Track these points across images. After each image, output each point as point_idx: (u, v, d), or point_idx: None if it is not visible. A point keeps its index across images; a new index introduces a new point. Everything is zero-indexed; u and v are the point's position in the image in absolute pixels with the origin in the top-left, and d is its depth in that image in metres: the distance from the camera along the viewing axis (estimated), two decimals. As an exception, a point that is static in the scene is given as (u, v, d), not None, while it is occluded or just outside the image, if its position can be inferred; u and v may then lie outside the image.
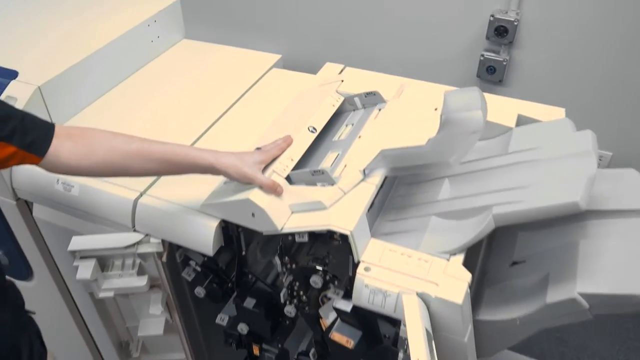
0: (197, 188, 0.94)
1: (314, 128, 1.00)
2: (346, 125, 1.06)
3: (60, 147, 0.80)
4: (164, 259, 1.00)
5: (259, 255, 1.04)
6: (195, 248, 0.95)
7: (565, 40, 1.75)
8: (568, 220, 0.95)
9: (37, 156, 0.79)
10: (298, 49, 2.04)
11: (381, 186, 0.91)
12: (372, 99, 1.07)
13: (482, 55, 1.85)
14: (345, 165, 0.92)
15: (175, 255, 1.04)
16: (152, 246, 0.97)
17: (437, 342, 0.83)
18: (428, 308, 0.81)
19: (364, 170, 0.89)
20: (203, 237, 0.92)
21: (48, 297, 1.29)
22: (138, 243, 0.97)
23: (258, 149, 0.94)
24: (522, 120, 1.06)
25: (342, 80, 1.12)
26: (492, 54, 1.84)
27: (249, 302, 1.01)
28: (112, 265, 1.01)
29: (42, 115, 1.11)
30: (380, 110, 1.06)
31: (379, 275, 0.82)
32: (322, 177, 0.89)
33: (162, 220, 0.95)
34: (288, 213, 0.88)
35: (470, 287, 0.83)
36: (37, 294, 1.29)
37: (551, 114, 1.10)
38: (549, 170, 0.87)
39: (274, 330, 1.04)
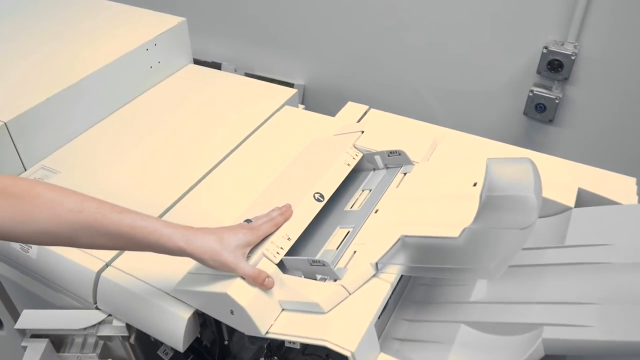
0: (174, 262, 0.76)
1: (322, 196, 0.81)
2: (362, 190, 0.87)
3: None
4: (132, 340, 0.83)
5: (247, 341, 0.85)
6: (163, 340, 0.77)
7: (628, 79, 1.52)
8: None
9: None
10: (322, 75, 1.86)
11: (398, 282, 0.72)
12: (396, 160, 0.88)
13: (532, 91, 1.63)
14: (354, 252, 0.73)
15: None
16: (116, 329, 0.80)
17: None
18: None
19: (376, 264, 0.69)
20: (172, 328, 0.74)
21: (19, 349, 1.15)
22: (99, 324, 0.80)
23: (248, 221, 0.75)
24: (583, 196, 0.85)
25: (362, 132, 0.93)
26: (543, 90, 1.61)
27: (230, 404, 0.83)
28: (71, 344, 0.84)
29: (9, 155, 0.96)
30: (405, 174, 0.86)
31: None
32: (323, 270, 0.69)
33: (126, 301, 0.78)
34: (277, 310, 0.70)
35: None
36: (8, 344, 1.15)
37: (618, 185, 0.88)
38: (624, 282, 0.66)
39: None
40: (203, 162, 0.98)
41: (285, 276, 0.71)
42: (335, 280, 0.69)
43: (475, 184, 0.76)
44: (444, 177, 0.82)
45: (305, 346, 0.74)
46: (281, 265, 0.73)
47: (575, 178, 0.87)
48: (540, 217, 0.84)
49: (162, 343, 0.89)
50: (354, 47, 1.74)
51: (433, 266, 0.67)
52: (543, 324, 0.64)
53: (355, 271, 0.69)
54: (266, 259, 0.71)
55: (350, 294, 0.68)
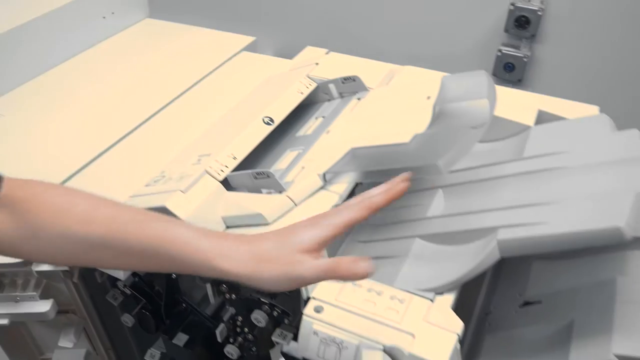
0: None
1: (271, 119, 0.77)
2: (316, 118, 0.84)
3: None
4: (75, 279, 0.78)
5: (198, 279, 0.81)
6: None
7: (598, 35, 1.50)
8: (603, 250, 0.71)
9: None
10: (286, 36, 1.82)
11: (350, 196, 0.68)
12: (351, 86, 0.85)
13: (500, 51, 1.61)
14: (302, 168, 0.70)
15: (95, 274, 0.82)
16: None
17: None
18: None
19: (324, 175, 0.66)
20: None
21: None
22: (37, 258, 0.75)
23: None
24: (543, 118, 0.82)
25: (317, 64, 0.90)
26: (511, 49, 1.60)
27: (180, 339, 0.79)
28: (10, 284, 0.80)
29: None
30: (360, 99, 0.83)
31: (334, 318, 0.59)
32: (268, 182, 0.66)
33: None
34: (220, 228, 0.66)
35: (464, 336, 0.60)
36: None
37: (581, 112, 0.86)
38: (579, 182, 0.63)
39: (212, 376, 0.81)
40: (150, 105, 0.94)
41: (229, 193, 0.68)
42: (280, 193, 0.66)
43: (429, 97, 0.73)
44: (398, 96, 0.79)
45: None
46: (226, 184, 0.69)
47: (537, 103, 0.85)
48: (499, 139, 0.82)
49: (111, 286, 0.85)
50: (318, 10, 1.71)
51: (384, 169, 0.64)
52: (499, 226, 0.61)
53: (302, 182, 0.66)
54: (209, 176, 0.67)
55: (296, 205, 0.64)
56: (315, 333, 0.59)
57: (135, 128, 0.90)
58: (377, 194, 0.52)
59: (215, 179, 0.67)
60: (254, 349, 0.78)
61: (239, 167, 0.71)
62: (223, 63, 1.05)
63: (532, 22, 1.51)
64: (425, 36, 1.71)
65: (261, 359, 0.78)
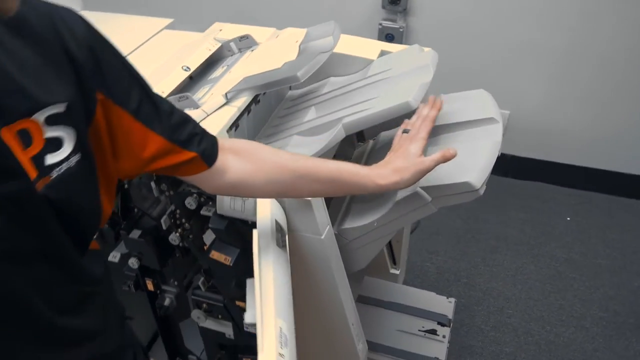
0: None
1: (188, 67, 1.06)
2: (222, 68, 1.13)
3: (226, 162, 0.72)
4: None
5: (144, 191, 1.09)
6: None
7: (458, 4, 1.88)
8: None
9: (207, 165, 0.70)
10: (191, 14, 2.07)
11: (247, 110, 0.99)
12: (246, 42, 1.15)
13: (381, 24, 1.97)
14: (212, 94, 1.00)
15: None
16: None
17: (299, 241, 0.91)
18: (285, 209, 0.88)
19: (226, 94, 0.96)
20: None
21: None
22: None
23: (406, 131, 0.87)
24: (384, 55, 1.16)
25: (221, 30, 1.20)
26: (390, 23, 1.96)
27: (135, 233, 1.06)
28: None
29: None
30: (252, 51, 1.14)
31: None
32: (187, 102, 0.95)
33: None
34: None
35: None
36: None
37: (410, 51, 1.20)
38: (394, 83, 0.96)
39: (162, 260, 1.09)
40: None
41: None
42: (196, 109, 0.95)
43: (297, 41, 1.05)
44: (279, 45, 1.10)
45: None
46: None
47: (381, 47, 1.18)
48: (351, 73, 1.15)
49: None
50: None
51: (266, 83, 0.95)
52: (343, 117, 0.93)
53: (211, 101, 0.96)
54: (146, 104, 0.96)
55: (207, 115, 0.94)
56: (226, 194, 0.89)
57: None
58: (429, 111, 0.87)
59: (150, 105, 0.96)
60: (190, 236, 1.06)
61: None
62: (148, 39, 1.33)
63: (400, -2, 1.87)
64: (320, 18, 2.04)
65: (197, 244, 1.06)
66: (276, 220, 0.83)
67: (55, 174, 0.53)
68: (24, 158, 0.50)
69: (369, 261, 1.06)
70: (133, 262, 1.10)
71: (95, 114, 0.58)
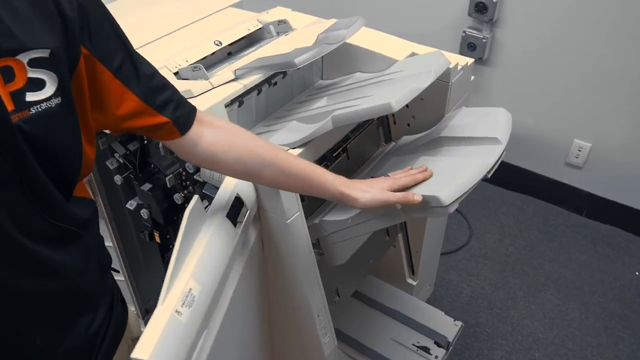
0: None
1: (220, 42, 1.13)
2: (255, 48, 1.18)
3: (200, 133, 0.76)
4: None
5: (162, 149, 1.18)
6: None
7: (550, 20, 1.76)
8: (427, 147, 1.03)
9: (180, 133, 0.75)
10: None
11: (258, 90, 1.03)
12: (283, 27, 1.19)
13: (464, 32, 1.90)
14: (228, 69, 1.05)
15: (98, 143, 1.20)
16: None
17: (268, 221, 0.94)
18: (256, 187, 0.91)
19: (235, 71, 1.01)
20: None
21: None
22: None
23: (387, 176, 0.92)
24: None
25: (268, 12, 1.25)
26: (474, 31, 1.88)
27: (146, 186, 1.15)
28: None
29: None
30: (286, 35, 1.17)
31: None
32: (199, 73, 1.02)
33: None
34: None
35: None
36: None
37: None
38: (393, 84, 0.95)
39: (167, 216, 1.18)
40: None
41: (177, 80, 1.04)
42: (206, 80, 1.01)
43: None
44: (310, 34, 1.12)
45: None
46: (177, 75, 1.05)
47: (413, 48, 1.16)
48: (376, 71, 1.14)
49: (110, 155, 1.23)
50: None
51: (271, 64, 0.98)
52: (336, 109, 0.94)
53: (221, 75, 1.01)
54: (167, 69, 1.04)
55: (213, 87, 1.00)
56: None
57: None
58: (416, 172, 0.90)
59: (171, 71, 1.04)
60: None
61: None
62: (211, 14, 1.41)
63: (489, 8, 1.79)
64: (403, 19, 2.01)
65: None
66: (238, 194, 0.87)
67: (33, 110, 0.58)
68: (3, 92, 0.57)
69: (347, 258, 1.06)
70: (144, 213, 1.20)
71: (78, 64, 0.64)
